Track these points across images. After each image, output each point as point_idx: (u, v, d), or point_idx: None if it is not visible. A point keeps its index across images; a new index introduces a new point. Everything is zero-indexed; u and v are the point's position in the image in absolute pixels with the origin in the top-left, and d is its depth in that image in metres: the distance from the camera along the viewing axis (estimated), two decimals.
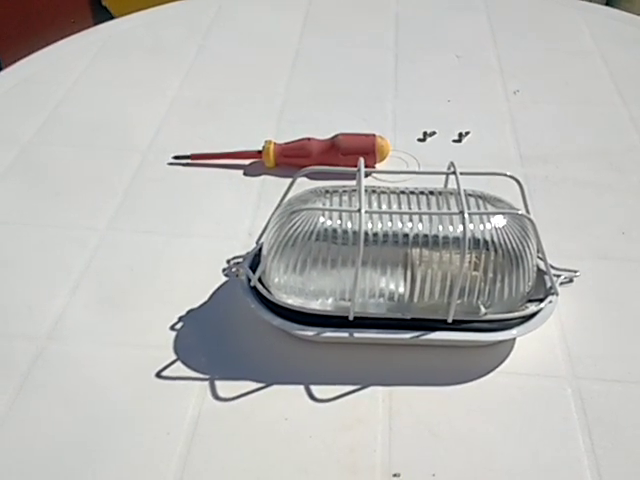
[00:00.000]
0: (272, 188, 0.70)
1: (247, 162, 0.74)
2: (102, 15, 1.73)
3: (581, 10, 1.05)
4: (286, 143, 0.74)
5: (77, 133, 0.79)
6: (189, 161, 0.74)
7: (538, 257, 0.54)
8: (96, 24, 1.05)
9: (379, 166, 0.74)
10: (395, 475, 0.46)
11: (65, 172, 0.73)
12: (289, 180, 0.56)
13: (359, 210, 0.50)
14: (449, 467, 0.47)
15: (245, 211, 0.68)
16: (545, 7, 1.07)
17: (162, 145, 0.77)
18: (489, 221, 0.52)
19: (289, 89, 0.87)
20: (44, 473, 0.47)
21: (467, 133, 0.78)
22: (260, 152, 0.73)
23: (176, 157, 0.74)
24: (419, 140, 0.78)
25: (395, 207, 0.53)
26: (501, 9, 1.06)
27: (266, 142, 0.73)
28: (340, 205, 0.53)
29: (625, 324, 0.57)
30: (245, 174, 0.73)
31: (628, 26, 1.01)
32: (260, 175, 0.73)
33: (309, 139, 0.74)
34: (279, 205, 0.55)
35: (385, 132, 0.77)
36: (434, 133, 0.79)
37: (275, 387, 0.52)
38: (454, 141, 0.78)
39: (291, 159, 0.73)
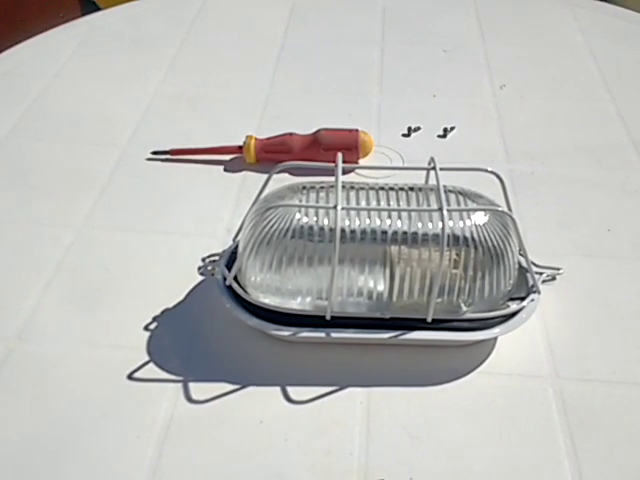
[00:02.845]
0: (253, 184, 0.69)
1: (228, 158, 0.73)
2: (89, 7, 1.71)
3: (570, 4, 1.04)
4: (268, 138, 0.72)
5: (55, 127, 0.77)
6: (168, 156, 0.72)
7: (520, 254, 0.53)
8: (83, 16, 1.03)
9: (363, 162, 0.72)
10: None
11: (41, 167, 0.72)
12: None
13: (335, 207, 0.49)
14: (427, 470, 0.46)
15: (225, 208, 0.67)
16: (533, 1, 1.06)
17: (142, 140, 0.75)
18: (469, 218, 0.50)
19: (273, 84, 0.86)
20: (11, 475, 0.45)
21: (452, 128, 0.77)
22: (241, 147, 0.72)
23: (155, 152, 0.73)
24: (403, 135, 0.77)
25: (374, 204, 0.52)
26: (489, 3, 1.04)
27: (247, 137, 0.72)
28: (317, 201, 0.52)
29: (609, 323, 0.56)
30: (225, 170, 0.72)
31: (617, 20, 1.00)
32: (241, 171, 0.71)
33: (291, 134, 0.72)
34: (255, 202, 0.54)
35: (370, 127, 0.75)
36: (419, 128, 0.77)
37: (250, 389, 0.51)
38: (439, 136, 0.77)
39: (272, 154, 0.71)
